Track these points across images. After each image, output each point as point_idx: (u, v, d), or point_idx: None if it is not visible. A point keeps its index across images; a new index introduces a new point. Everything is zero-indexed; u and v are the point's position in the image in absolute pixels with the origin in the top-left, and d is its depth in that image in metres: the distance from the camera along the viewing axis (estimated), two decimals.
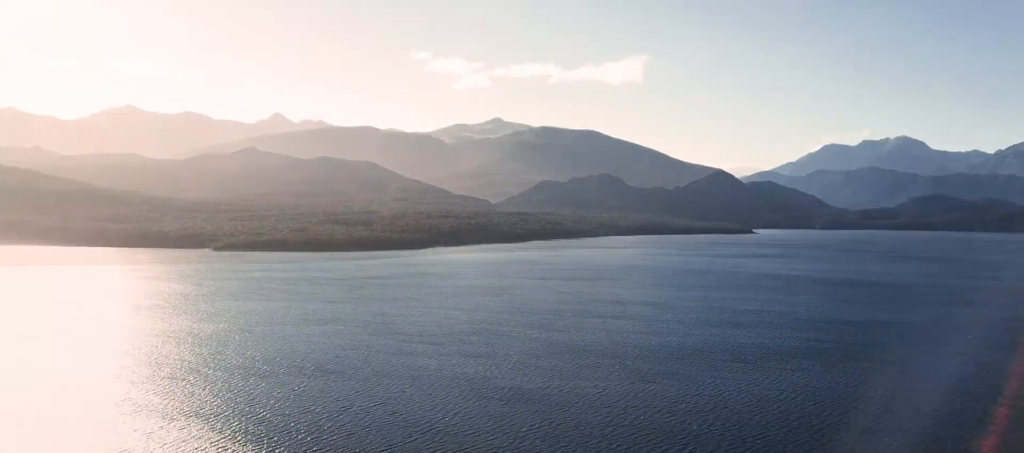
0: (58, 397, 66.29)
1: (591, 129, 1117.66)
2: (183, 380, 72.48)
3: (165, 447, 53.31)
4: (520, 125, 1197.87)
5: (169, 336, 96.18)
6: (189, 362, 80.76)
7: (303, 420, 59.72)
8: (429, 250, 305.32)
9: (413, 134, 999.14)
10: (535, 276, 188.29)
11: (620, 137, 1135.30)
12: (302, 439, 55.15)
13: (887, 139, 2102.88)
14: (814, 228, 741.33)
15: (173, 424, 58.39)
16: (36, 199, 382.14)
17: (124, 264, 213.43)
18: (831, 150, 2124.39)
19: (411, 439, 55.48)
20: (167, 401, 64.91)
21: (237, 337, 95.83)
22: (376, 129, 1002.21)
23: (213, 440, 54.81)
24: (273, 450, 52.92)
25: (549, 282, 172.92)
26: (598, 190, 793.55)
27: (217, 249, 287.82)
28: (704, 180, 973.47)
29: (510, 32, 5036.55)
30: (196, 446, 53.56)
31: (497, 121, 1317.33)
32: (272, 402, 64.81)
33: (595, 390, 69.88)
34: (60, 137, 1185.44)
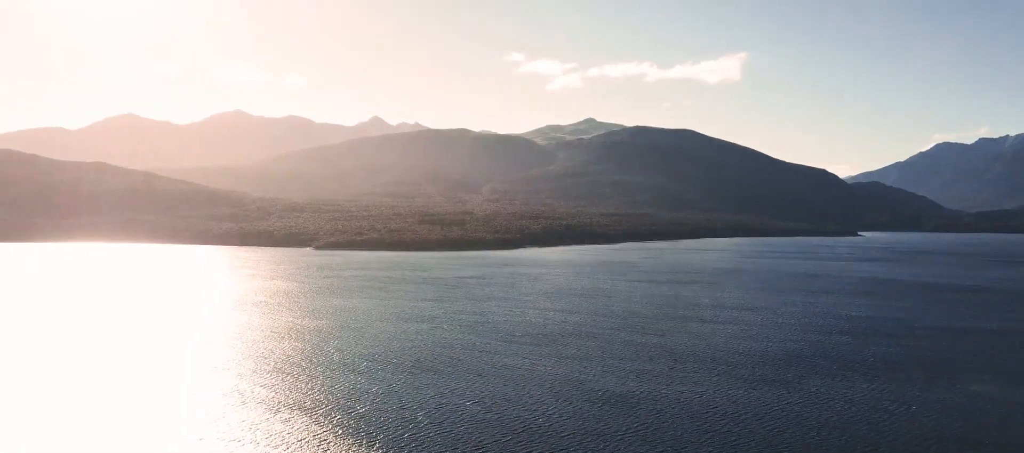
0: (171, 387, 69.66)
1: (687, 128, 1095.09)
2: (286, 374, 74.95)
3: (270, 437, 55.17)
4: (613, 125, 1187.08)
5: (273, 331, 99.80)
6: (292, 356, 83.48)
7: (400, 416, 60.62)
8: (522, 250, 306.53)
9: (506, 135, 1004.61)
10: (628, 278, 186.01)
11: (717, 136, 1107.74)
12: (399, 434, 55.96)
13: (1006, 136, 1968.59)
14: (924, 231, 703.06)
15: (277, 416, 60.38)
16: (153, 200, 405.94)
17: (232, 261, 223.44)
18: (944, 149, 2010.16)
19: (504, 438, 55.44)
20: (271, 393, 67.23)
21: (337, 333, 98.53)
22: (470, 131, 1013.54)
23: (315, 432, 56.34)
24: (372, 444, 53.93)
25: (643, 284, 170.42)
26: (694, 191, 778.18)
27: (318, 248, 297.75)
28: (806, 181, 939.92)
29: (604, 32, 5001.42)
30: (299, 438, 55.17)
31: (590, 121, 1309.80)
32: (370, 397, 66.13)
33: (691, 396, 68.06)
34: (175, 141, 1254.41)
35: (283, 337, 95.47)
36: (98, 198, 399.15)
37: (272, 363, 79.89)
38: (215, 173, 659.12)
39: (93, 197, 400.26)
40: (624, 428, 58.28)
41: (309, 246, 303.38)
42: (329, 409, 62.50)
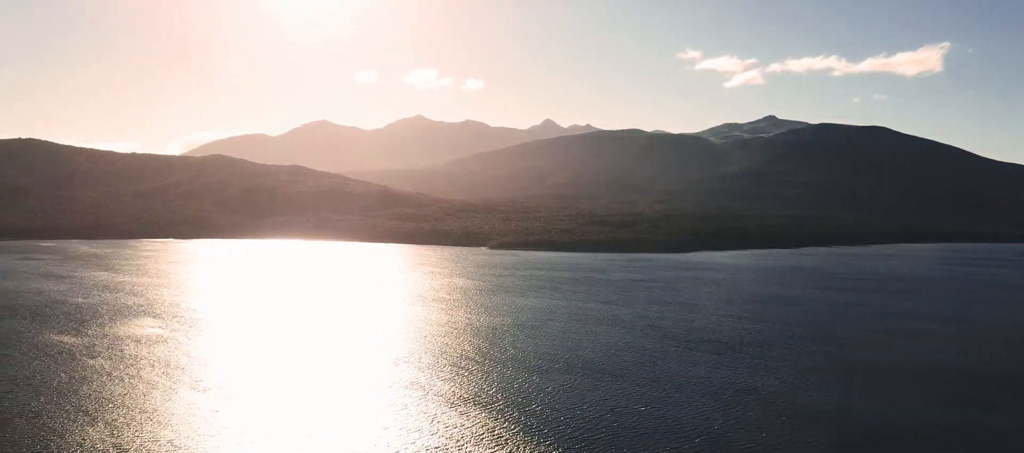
0: (358, 377, 73.85)
1: (879, 125, 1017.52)
2: (463, 369, 77.24)
3: (449, 430, 56.99)
4: (796, 123, 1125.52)
5: (452, 327, 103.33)
6: (468, 352, 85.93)
7: (571, 416, 60.57)
8: (694, 253, 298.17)
9: (679, 135, 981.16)
10: (813, 284, 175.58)
11: (915, 134, 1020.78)
12: (570, 435, 55.90)
13: None
14: None
15: (454, 409, 62.30)
16: (342, 200, 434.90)
17: (414, 259, 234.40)
18: None
19: (677, 447, 53.83)
20: (450, 387, 69.51)
21: (512, 331, 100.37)
22: (642, 131, 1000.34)
23: (490, 427, 57.53)
24: (544, 442, 54.26)
25: (829, 291, 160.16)
26: (886, 192, 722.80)
27: (492, 248, 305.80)
28: (1018, 182, 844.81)
29: (788, 25, 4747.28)
30: (476, 432, 56.57)
31: (770, 119, 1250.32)
32: (543, 396, 66.62)
33: (893, 414, 62.78)
34: (362, 145, 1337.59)
35: (461, 333, 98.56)
36: (294, 199, 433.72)
37: (450, 358, 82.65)
38: (398, 175, 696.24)
39: (289, 198, 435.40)
40: (814, 444, 54.77)
41: (484, 245, 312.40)
42: (504, 405, 63.62)
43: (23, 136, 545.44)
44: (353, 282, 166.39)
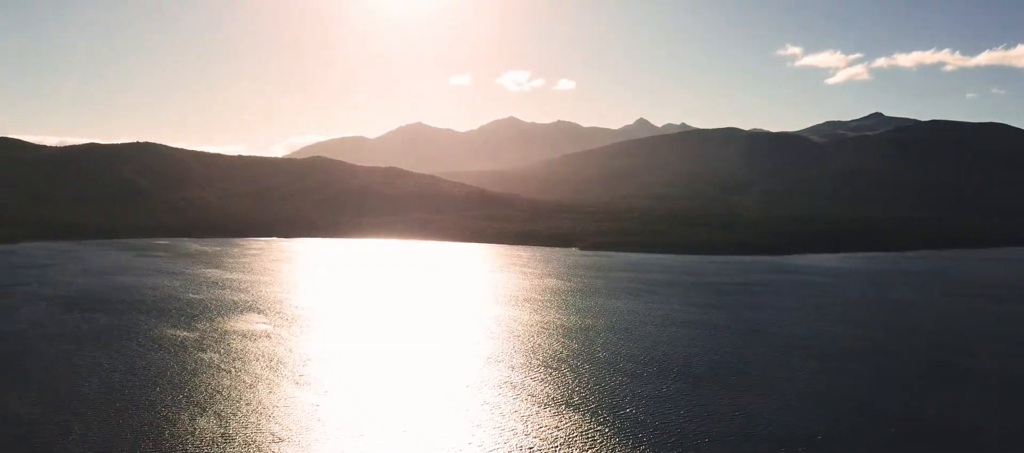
0: (451, 374, 74.77)
1: (996, 121, 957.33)
2: (555, 369, 77.07)
3: (541, 430, 56.94)
4: (904, 120, 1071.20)
5: (543, 327, 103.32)
6: (560, 353, 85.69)
7: (665, 422, 59.44)
8: (794, 256, 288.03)
9: (779, 133, 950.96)
10: (925, 289, 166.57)
11: None
12: (663, 440, 54.88)
13: None
14: None
15: (547, 410, 62.20)
16: (437, 201, 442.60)
17: (505, 259, 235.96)
18: None
19: None
20: (541, 387, 69.49)
21: (604, 333, 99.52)
22: (739, 130, 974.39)
23: (583, 430, 57.15)
24: (636, 447, 53.48)
25: (943, 297, 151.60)
26: (1004, 193, 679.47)
27: (583, 248, 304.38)
28: None
29: (896, 19, 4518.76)
30: (568, 434, 56.30)
31: (877, 116, 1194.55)
32: (637, 400, 65.69)
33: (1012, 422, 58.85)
34: (456, 147, 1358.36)
35: (552, 334, 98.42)
36: (389, 200, 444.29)
37: (541, 358, 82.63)
38: (490, 176, 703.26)
39: (385, 198, 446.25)
40: None
41: (574, 246, 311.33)
42: (597, 407, 63.10)
43: (140, 140, 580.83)
44: (445, 282, 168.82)
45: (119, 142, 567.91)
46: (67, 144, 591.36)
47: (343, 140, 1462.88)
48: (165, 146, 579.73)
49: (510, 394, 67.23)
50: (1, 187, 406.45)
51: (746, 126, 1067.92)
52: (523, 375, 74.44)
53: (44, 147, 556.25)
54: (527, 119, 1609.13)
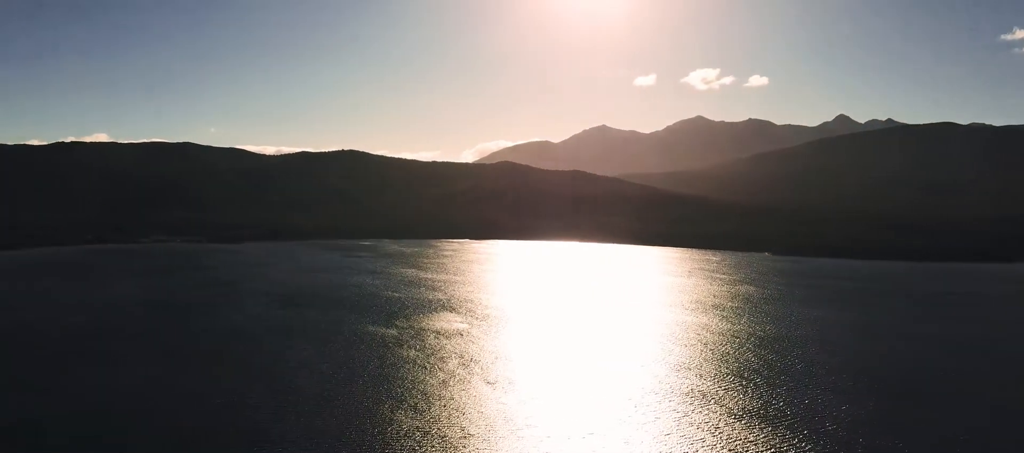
0: (636, 381, 73.82)
1: None
2: (747, 379, 73.88)
3: (732, 442, 54.81)
4: None
5: (733, 335, 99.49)
6: (752, 363, 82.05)
7: (871, 442, 55.05)
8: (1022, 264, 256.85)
9: (1004, 128, 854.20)
10: None
11: None
12: None
13: None
14: None
15: (738, 421, 59.74)
16: (620, 204, 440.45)
17: (691, 264, 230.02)
18: None
19: None
20: (732, 398, 66.86)
21: (802, 344, 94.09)
22: (956, 125, 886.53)
23: (777, 445, 54.35)
24: None
25: None
26: None
27: (776, 253, 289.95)
28: None
29: None
30: (760, 447, 53.78)
31: None
32: (838, 416, 61.44)
33: None
34: (641, 148, 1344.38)
35: (743, 342, 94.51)
36: (574, 202, 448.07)
37: (733, 368, 79.55)
38: (677, 178, 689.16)
39: (570, 201, 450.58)
40: None
41: (766, 251, 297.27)
42: (793, 421, 59.75)
43: (346, 148, 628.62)
44: (631, 286, 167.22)
45: (328, 150, 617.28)
46: (283, 152, 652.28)
47: (529, 145, 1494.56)
48: (367, 153, 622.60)
49: (699, 403, 65.31)
50: (228, 192, 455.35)
51: (963, 120, 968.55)
52: (713, 384, 72.05)
53: (263, 155, 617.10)
54: (715, 118, 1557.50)
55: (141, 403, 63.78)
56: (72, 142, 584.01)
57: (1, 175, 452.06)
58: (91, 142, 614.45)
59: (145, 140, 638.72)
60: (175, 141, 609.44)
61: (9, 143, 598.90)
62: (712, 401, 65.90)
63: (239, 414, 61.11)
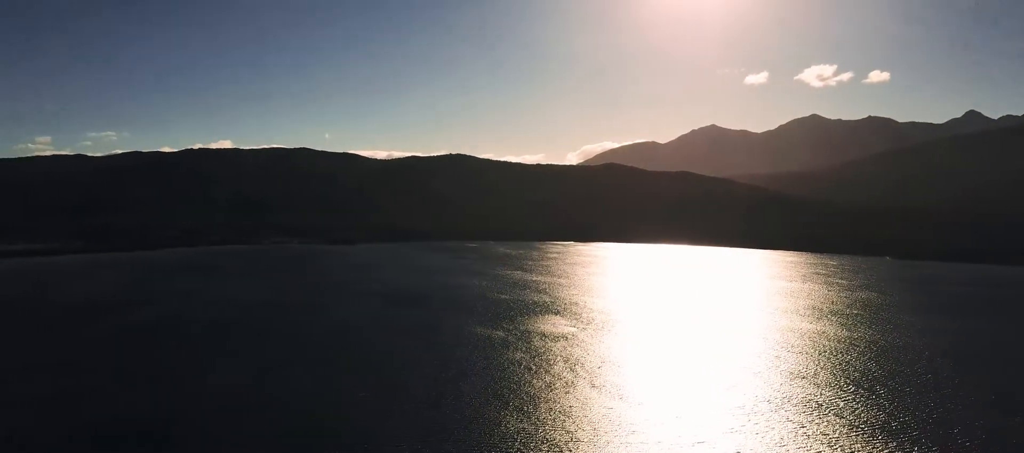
0: (748, 389, 71.35)
1: None
2: (867, 390, 70.15)
3: None
4: None
5: (852, 343, 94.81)
6: (873, 373, 77.88)
7: None
8: None
9: None
10: None
11: None
12: None
13: None
14: None
15: (859, 434, 56.79)
16: (730, 206, 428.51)
17: (806, 268, 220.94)
18: None
19: None
20: (852, 409, 63.62)
21: (926, 354, 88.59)
22: None
23: None
24: None
25: None
26: None
27: (896, 257, 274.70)
28: None
29: None
30: None
31: None
32: (972, 434, 57.36)
33: None
34: (752, 149, 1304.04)
35: (863, 351, 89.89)
36: (681, 204, 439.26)
37: (852, 377, 75.73)
38: (790, 179, 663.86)
39: (677, 203, 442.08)
40: None
41: (886, 255, 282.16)
42: (920, 436, 56.27)
43: (453, 152, 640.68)
44: (741, 290, 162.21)
45: (435, 154, 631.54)
46: (393, 157, 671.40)
47: (635, 146, 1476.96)
48: (473, 157, 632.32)
49: (816, 414, 62.50)
50: (341, 195, 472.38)
51: None
52: (831, 394, 68.79)
53: (374, 160, 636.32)
54: (831, 116, 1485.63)
55: (256, 396, 66.77)
56: (200, 148, 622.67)
57: (140, 181, 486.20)
58: (216, 148, 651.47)
59: (265, 146, 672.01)
60: (292, 147, 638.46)
61: (145, 150, 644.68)
62: (830, 412, 62.92)
63: (348, 411, 63.02)
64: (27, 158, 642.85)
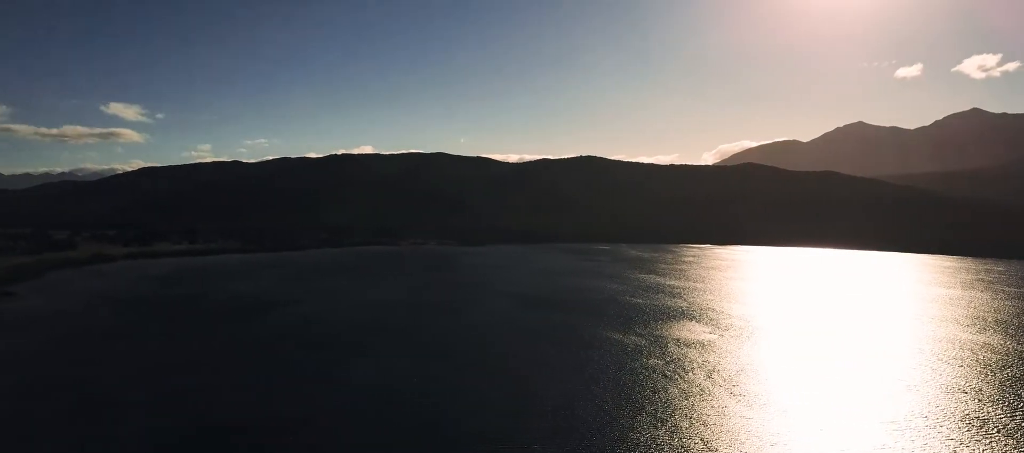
0: (899, 403, 66.94)
1: None
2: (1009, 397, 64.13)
3: None
4: None
5: (1021, 356, 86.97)
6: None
7: None
8: None
9: None
10: None
11: None
12: None
13: None
14: None
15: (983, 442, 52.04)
16: (877, 207, 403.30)
17: (966, 274, 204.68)
18: None
19: None
20: (1020, 426, 58.34)
21: None
22: None
23: None
24: None
25: None
26: None
27: None
28: None
29: None
30: None
31: None
32: None
33: None
34: (903, 146, 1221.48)
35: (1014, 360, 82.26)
36: (825, 206, 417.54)
37: (1019, 392, 69.46)
38: (948, 178, 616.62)
39: (820, 205, 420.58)
40: None
41: None
42: None
43: (583, 154, 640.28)
44: (892, 296, 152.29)
45: (565, 157, 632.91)
46: (525, 160, 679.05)
47: (774, 145, 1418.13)
48: (603, 158, 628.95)
49: (977, 431, 57.83)
50: (476, 198, 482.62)
51: None
52: (995, 410, 63.44)
53: (506, 163, 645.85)
54: (996, 110, 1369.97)
55: (393, 397, 69.23)
56: (343, 154, 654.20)
57: (288, 184, 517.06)
58: (358, 153, 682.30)
59: (404, 151, 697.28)
60: (429, 152, 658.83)
61: (292, 156, 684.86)
62: (994, 429, 58.02)
63: (481, 412, 64.17)
64: (191, 165, 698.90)
